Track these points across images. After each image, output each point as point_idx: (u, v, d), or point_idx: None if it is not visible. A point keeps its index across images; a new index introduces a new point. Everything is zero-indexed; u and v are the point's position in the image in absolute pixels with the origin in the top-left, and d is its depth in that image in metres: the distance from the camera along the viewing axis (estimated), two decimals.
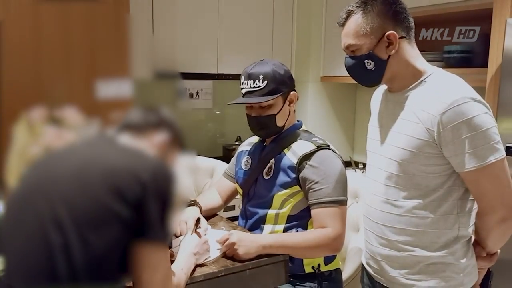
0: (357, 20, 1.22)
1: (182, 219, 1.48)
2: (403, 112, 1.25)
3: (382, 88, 1.41)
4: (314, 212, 1.48)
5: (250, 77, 1.52)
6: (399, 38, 1.21)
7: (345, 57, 1.29)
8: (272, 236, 1.50)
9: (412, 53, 1.26)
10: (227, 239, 1.37)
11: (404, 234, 1.25)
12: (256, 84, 1.51)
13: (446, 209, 1.22)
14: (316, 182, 1.47)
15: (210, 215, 1.73)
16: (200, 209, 1.65)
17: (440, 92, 1.17)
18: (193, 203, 1.68)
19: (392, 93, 1.32)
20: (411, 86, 1.25)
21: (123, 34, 1.78)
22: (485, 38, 2.07)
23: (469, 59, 2.26)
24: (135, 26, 2.21)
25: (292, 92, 1.57)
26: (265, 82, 1.50)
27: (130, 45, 1.60)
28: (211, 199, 1.79)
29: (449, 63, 2.27)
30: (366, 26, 1.21)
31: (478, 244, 1.30)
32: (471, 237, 1.28)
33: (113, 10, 2.09)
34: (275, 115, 1.54)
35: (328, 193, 1.45)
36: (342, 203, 1.47)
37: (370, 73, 1.25)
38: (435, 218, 1.22)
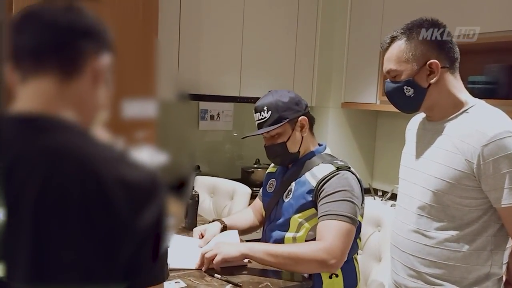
0: (400, 46, 1.22)
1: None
2: (442, 141, 1.23)
3: (419, 116, 1.40)
4: (318, 225, 1.44)
5: (257, 110, 1.57)
6: (441, 67, 1.20)
7: (386, 81, 1.29)
8: (256, 243, 1.49)
9: (454, 83, 1.24)
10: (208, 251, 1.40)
11: (434, 266, 1.23)
12: (262, 115, 1.55)
13: (479, 244, 1.19)
14: (328, 195, 1.44)
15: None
16: (224, 226, 1.68)
17: (482, 124, 1.15)
18: (216, 220, 1.72)
19: (430, 122, 1.30)
20: (452, 116, 1.24)
21: (151, 54, 1.82)
22: (511, 70, 2.06)
23: (493, 90, 2.24)
24: (162, 47, 2.25)
25: (301, 117, 1.56)
26: (269, 112, 1.53)
27: (156, 66, 1.64)
28: (243, 217, 1.80)
29: (473, 94, 2.24)
30: (408, 52, 1.20)
31: (509, 284, 1.26)
32: (502, 275, 1.25)
33: (142, 29, 2.12)
34: (285, 142, 1.56)
35: (336, 207, 1.42)
36: (349, 219, 1.40)
37: (409, 100, 1.24)
38: (467, 252, 1.19)
